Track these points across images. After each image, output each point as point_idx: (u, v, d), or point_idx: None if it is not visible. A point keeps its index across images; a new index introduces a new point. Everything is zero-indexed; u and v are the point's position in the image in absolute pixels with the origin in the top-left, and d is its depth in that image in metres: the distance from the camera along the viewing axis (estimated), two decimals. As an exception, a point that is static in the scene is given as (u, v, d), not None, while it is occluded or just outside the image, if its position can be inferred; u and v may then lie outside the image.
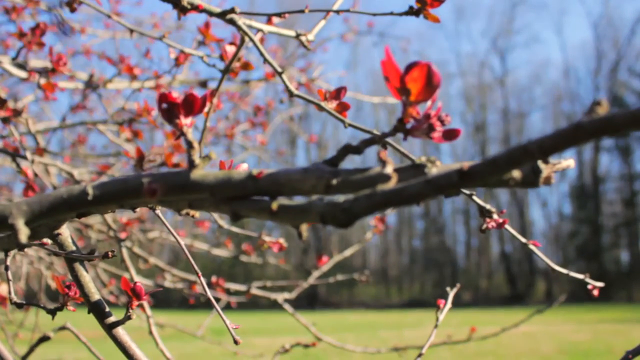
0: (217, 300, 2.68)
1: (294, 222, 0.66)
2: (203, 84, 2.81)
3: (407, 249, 45.76)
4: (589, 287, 1.60)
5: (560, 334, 13.71)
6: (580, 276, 1.57)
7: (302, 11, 1.34)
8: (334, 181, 0.67)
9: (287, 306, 2.26)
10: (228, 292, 2.47)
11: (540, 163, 0.65)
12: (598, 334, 13.64)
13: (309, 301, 35.46)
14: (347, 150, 0.70)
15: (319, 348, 2.38)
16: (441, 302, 1.46)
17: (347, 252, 2.50)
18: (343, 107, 1.29)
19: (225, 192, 0.70)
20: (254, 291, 2.33)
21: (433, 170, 0.66)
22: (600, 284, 1.61)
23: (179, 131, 0.72)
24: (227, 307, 2.91)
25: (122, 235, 2.54)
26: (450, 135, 0.70)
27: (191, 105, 0.73)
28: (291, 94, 1.33)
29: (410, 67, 0.65)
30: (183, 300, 3.14)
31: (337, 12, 1.35)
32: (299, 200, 0.66)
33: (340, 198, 0.61)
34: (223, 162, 1.06)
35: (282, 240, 1.92)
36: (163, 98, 0.71)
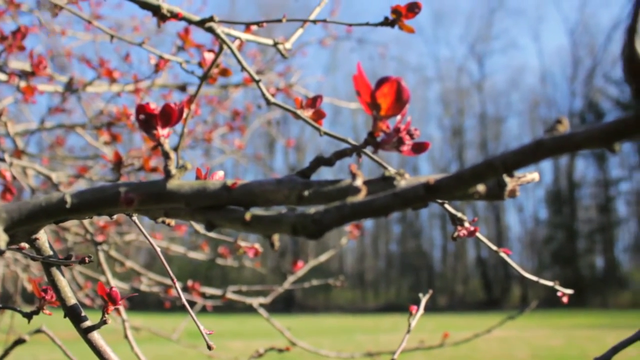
0: (193, 303, 2.69)
1: (266, 233, 0.68)
2: (182, 88, 2.82)
3: (384, 253, 45.88)
4: (559, 293, 1.63)
5: (534, 339, 13.82)
6: (550, 283, 1.60)
7: (279, 20, 1.36)
8: (306, 192, 0.69)
9: (262, 310, 2.27)
10: (204, 295, 2.48)
11: (505, 177, 0.68)
12: (572, 339, 13.76)
13: (285, 305, 35.43)
14: (319, 162, 0.73)
15: (295, 352, 2.39)
16: (413, 308, 1.48)
17: (323, 257, 2.52)
18: (319, 116, 1.31)
19: (200, 202, 0.72)
20: (230, 295, 2.34)
21: (402, 183, 0.68)
22: (570, 291, 1.65)
23: (156, 142, 0.74)
24: (203, 311, 2.92)
25: (99, 238, 2.54)
26: (420, 148, 0.72)
27: (168, 117, 0.74)
28: (268, 102, 1.35)
29: (380, 82, 0.67)
30: (160, 303, 3.14)
31: (314, 22, 1.37)
32: (271, 211, 0.68)
33: (312, 209, 0.63)
34: (200, 169, 1.07)
35: (257, 245, 1.93)
36: (141, 109, 0.73)
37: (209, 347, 0.88)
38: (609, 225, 40.59)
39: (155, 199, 0.72)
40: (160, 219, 0.80)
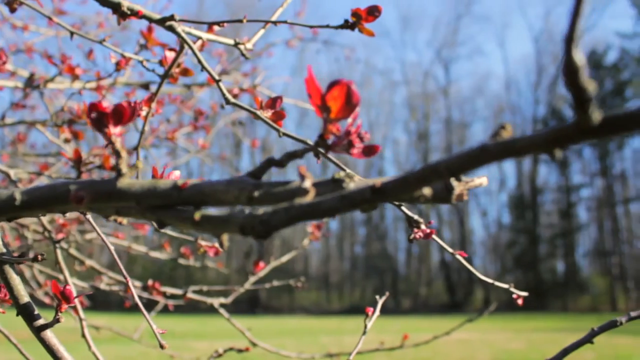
0: (155, 303, 2.67)
1: (215, 232, 0.69)
2: (145, 87, 2.80)
3: (349, 255, 46.03)
4: (514, 296, 1.66)
5: (496, 342, 13.97)
6: (505, 285, 1.62)
7: (240, 21, 1.36)
8: (256, 193, 0.69)
9: (222, 311, 2.27)
10: (165, 295, 2.46)
11: (453, 181, 0.69)
12: (533, 342, 13.94)
13: (249, 306, 35.33)
14: (270, 163, 0.73)
15: (257, 353, 2.40)
16: (369, 309, 1.49)
17: (284, 258, 2.52)
18: (278, 116, 1.32)
19: (150, 201, 0.72)
20: (191, 295, 2.33)
21: (350, 186, 0.69)
22: (524, 294, 1.67)
23: (107, 140, 0.74)
24: (165, 311, 2.90)
25: (59, 236, 2.51)
26: (370, 151, 0.73)
27: (120, 115, 0.74)
28: (227, 102, 1.35)
29: (330, 86, 0.68)
30: (122, 302, 3.11)
31: (275, 23, 1.38)
32: (221, 211, 0.69)
33: (260, 210, 0.64)
34: (156, 168, 1.07)
35: (217, 245, 1.93)
36: (92, 107, 0.73)
37: (162, 347, 0.88)
38: (570, 231, 41.23)
39: (106, 198, 0.72)
40: (112, 217, 0.80)
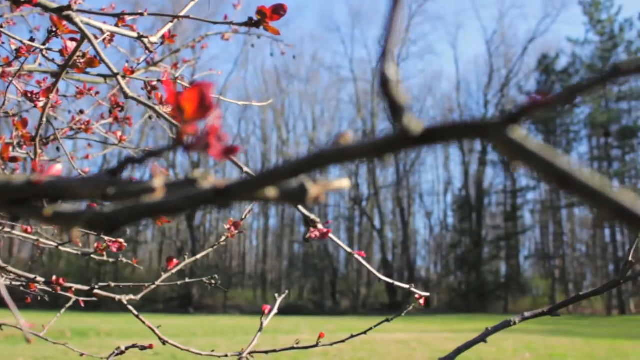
0: (68, 299, 2.61)
1: (66, 227, 0.68)
2: (55, 75, 2.73)
3: (287, 254, 45.90)
4: (416, 296, 1.68)
5: (434, 343, 14.16)
6: (405, 286, 1.64)
7: (141, 14, 1.35)
8: (110, 190, 0.69)
9: (131, 307, 2.23)
10: (65, 290, 2.40)
11: (307, 182, 0.70)
12: (471, 342, 14.16)
13: (182, 304, 34.89)
14: (129, 161, 0.73)
15: (172, 351, 2.37)
16: (266, 307, 1.50)
17: (199, 255, 2.49)
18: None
19: (4, 196, 0.71)
20: (98, 291, 2.29)
21: (204, 185, 0.69)
22: (426, 294, 1.69)
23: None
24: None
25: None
26: (229, 152, 0.73)
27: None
28: (126, 96, 1.34)
29: (186, 88, 0.68)
30: (43, 301, 3.03)
31: (177, 17, 1.37)
32: (70, 207, 0.68)
33: (107, 207, 0.64)
34: (35, 163, 1.05)
35: (122, 240, 1.91)
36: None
37: (28, 340, 0.87)
38: (514, 233, 42.00)
39: (-42, 192, 0.71)
40: (-29, 211, 0.79)
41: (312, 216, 1.32)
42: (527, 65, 43.68)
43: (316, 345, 2.77)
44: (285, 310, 36.14)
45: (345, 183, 0.80)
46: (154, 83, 2.47)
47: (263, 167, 0.60)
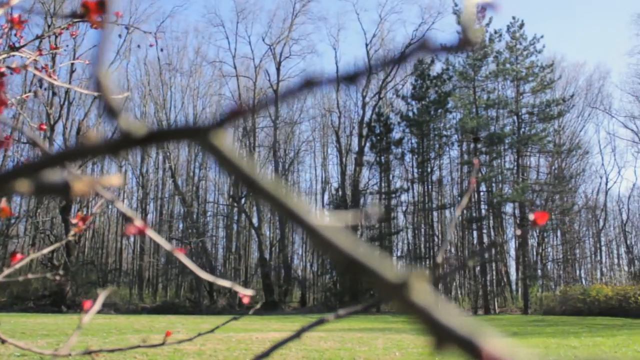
0: None
1: None
2: None
3: (164, 250, 45.09)
4: (240, 295, 1.71)
5: (308, 341, 14.27)
6: (228, 284, 1.68)
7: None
8: None
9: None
10: None
11: (72, 177, 0.73)
12: (344, 342, 14.40)
13: (54, 302, 33.56)
14: None
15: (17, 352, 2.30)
16: (87, 303, 1.49)
17: (45, 250, 2.43)
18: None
19: None
20: None
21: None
22: (250, 292, 1.73)
23: None
24: None
25: None
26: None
27: None
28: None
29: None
30: None
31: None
32: None
33: None
34: None
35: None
36: None
37: None
38: (389, 234, 42.96)
39: None
40: None
41: (129, 212, 1.34)
42: (404, 69, 44.88)
43: (163, 344, 2.77)
44: (162, 309, 35.51)
45: (115, 180, 0.82)
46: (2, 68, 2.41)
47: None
